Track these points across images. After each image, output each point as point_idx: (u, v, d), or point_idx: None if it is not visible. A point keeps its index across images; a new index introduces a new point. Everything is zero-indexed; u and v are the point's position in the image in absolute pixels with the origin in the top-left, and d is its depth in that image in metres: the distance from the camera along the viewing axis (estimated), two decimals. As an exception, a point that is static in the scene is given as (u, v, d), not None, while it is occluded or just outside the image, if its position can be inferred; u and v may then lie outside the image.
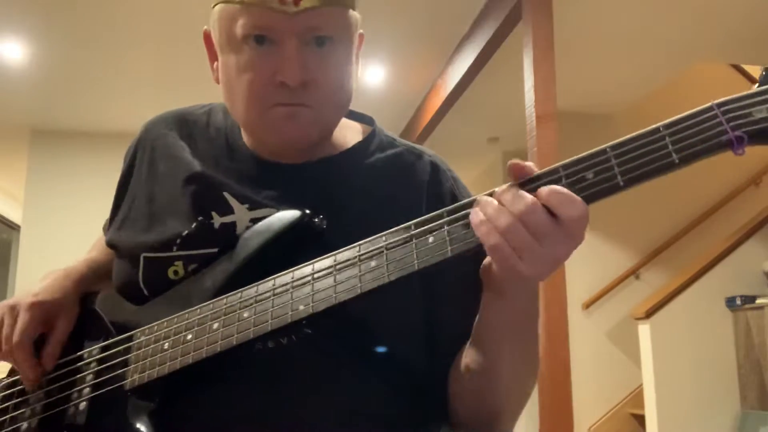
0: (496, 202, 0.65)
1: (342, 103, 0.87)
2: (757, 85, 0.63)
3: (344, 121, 0.96)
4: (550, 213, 0.63)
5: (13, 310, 0.88)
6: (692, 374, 4.19)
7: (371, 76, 4.46)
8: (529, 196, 0.64)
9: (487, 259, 0.69)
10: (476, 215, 0.66)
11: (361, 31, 0.89)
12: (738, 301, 4.26)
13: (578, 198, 0.63)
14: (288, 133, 0.84)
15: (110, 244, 0.96)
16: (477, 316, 0.76)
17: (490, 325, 0.74)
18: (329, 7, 0.80)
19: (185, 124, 0.97)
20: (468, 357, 0.80)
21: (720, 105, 0.63)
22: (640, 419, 4.54)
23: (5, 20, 3.81)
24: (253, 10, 0.79)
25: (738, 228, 4.62)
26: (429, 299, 0.84)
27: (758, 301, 4.17)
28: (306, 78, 0.80)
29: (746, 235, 4.50)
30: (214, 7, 0.85)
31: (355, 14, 0.85)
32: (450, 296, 0.84)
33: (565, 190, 0.63)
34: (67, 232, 4.88)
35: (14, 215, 6.45)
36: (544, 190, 0.63)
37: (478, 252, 0.66)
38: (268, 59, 0.81)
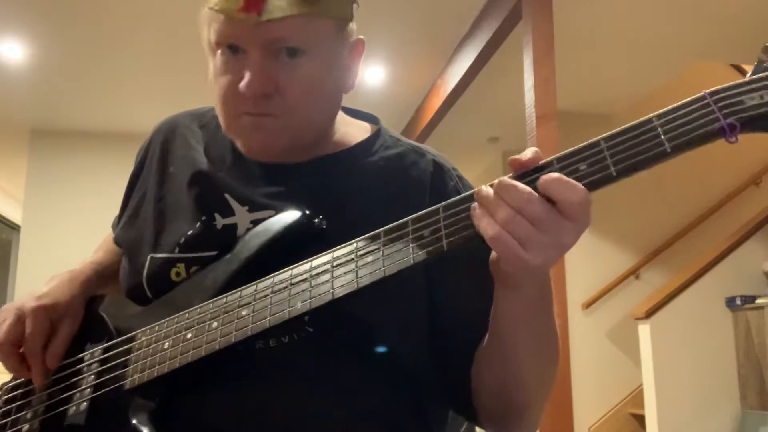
0: (493, 195, 0.65)
1: (317, 111, 0.86)
2: (749, 74, 0.64)
3: (349, 119, 0.96)
4: (550, 202, 0.63)
5: (19, 313, 0.88)
6: (692, 374, 4.19)
7: (371, 76, 4.45)
8: (525, 187, 0.64)
9: (494, 253, 0.69)
10: (475, 208, 0.66)
11: (361, 36, 0.88)
12: (738, 301, 4.26)
13: (577, 183, 0.63)
14: (254, 142, 0.84)
15: (117, 242, 0.97)
16: (491, 310, 0.75)
17: (503, 317, 0.74)
18: (297, 18, 0.78)
19: (198, 125, 0.98)
20: (487, 350, 0.79)
21: (712, 94, 0.63)
22: (640, 419, 4.54)
23: (5, 20, 3.81)
24: (220, 19, 0.80)
25: (738, 228, 4.62)
26: (434, 298, 0.84)
27: (758, 301, 4.17)
28: (267, 90, 0.80)
29: (746, 235, 4.50)
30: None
31: (328, 23, 0.82)
32: (458, 295, 0.83)
33: (564, 177, 0.63)
34: (67, 232, 4.89)
35: (14, 215, 6.45)
36: (541, 179, 0.64)
37: (474, 246, 0.66)
38: (235, 67, 0.81)
